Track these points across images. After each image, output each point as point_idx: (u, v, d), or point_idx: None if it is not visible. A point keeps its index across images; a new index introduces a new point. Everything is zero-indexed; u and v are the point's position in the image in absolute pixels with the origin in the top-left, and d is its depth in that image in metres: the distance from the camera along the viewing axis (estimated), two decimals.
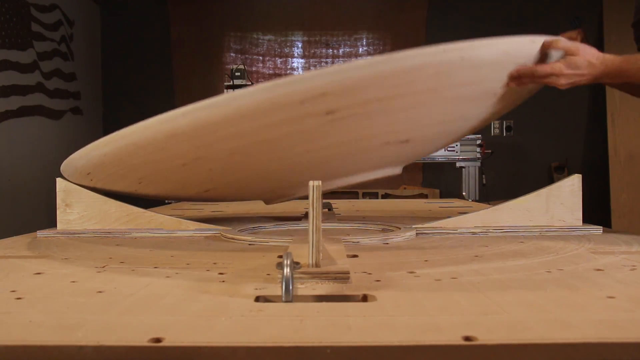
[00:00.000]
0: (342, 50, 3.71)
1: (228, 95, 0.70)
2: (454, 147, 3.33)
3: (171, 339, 0.38)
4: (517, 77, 0.83)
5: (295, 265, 0.55)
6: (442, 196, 3.93)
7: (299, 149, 0.83)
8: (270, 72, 3.72)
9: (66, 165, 0.95)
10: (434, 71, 0.75)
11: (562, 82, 0.85)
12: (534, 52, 0.84)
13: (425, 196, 3.83)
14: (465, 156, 3.37)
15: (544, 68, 0.84)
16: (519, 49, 0.83)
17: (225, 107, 0.70)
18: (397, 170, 1.02)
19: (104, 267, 0.68)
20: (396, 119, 0.83)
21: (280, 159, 0.87)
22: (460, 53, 0.74)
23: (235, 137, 0.77)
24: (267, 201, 1.07)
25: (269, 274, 0.62)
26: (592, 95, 3.98)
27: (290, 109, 0.70)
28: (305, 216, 1.18)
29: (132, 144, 0.81)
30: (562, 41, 0.85)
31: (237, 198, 1.27)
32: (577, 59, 0.85)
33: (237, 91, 0.70)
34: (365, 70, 0.70)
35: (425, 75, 0.75)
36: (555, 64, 0.84)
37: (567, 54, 0.85)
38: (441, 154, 3.36)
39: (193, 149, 0.80)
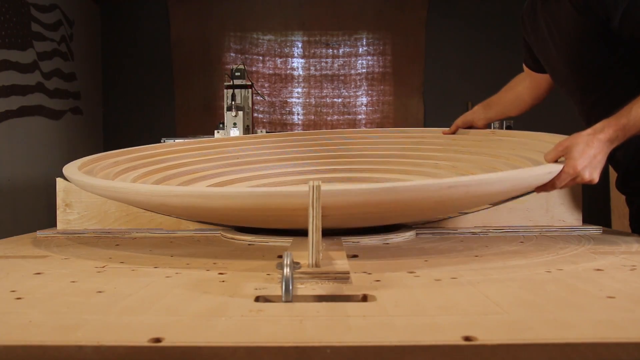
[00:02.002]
0: (342, 50, 3.71)
1: (220, 193, 0.70)
2: None
3: (171, 339, 0.38)
4: (542, 188, 0.83)
5: (295, 265, 0.55)
6: None
7: (288, 224, 0.86)
8: (270, 72, 3.71)
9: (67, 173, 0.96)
10: (436, 200, 0.72)
11: (586, 176, 0.81)
12: (547, 179, 0.81)
13: None
14: None
15: (562, 180, 0.81)
16: (532, 181, 0.79)
17: (215, 201, 0.70)
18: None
19: (104, 267, 0.68)
20: (388, 218, 0.84)
21: (270, 225, 0.89)
22: (467, 189, 0.70)
23: (224, 214, 0.78)
24: None
25: (269, 274, 0.62)
26: None
27: (280, 212, 0.70)
28: None
29: (124, 199, 0.83)
30: (547, 157, 0.84)
31: None
32: (571, 151, 0.81)
33: (229, 191, 0.70)
34: (361, 197, 0.67)
35: (425, 203, 0.73)
36: (566, 169, 0.81)
37: (563, 156, 0.83)
38: None
39: (183, 212, 0.83)
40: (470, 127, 1.29)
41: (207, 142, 1.35)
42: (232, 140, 1.38)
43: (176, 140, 2.68)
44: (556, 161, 0.83)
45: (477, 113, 1.29)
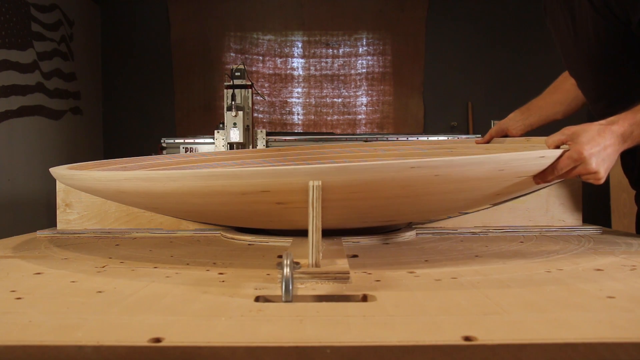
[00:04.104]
0: (342, 50, 3.71)
1: (165, 175, 0.66)
2: None
3: (171, 339, 0.38)
4: (540, 176, 0.73)
5: (295, 265, 0.55)
6: None
7: (255, 221, 0.82)
8: (270, 72, 3.71)
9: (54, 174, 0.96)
10: (403, 184, 0.63)
11: (592, 165, 0.72)
12: (541, 164, 0.71)
13: None
14: None
15: (562, 166, 0.71)
16: (520, 165, 0.68)
17: (162, 185, 0.67)
18: None
19: (104, 267, 0.68)
20: (358, 208, 0.73)
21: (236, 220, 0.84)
22: (435, 171, 0.61)
23: (182, 203, 0.75)
24: None
25: (269, 274, 0.62)
26: None
27: (231, 196, 0.66)
28: None
29: (87, 187, 0.82)
30: (548, 141, 0.76)
31: None
32: (579, 137, 0.73)
33: (174, 173, 0.66)
34: (309, 177, 0.59)
35: (390, 187, 0.64)
36: (569, 154, 0.71)
37: (568, 142, 0.74)
38: None
39: (144, 201, 0.80)
40: (505, 135, 1.17)
41: (227, 153, 1.34)
42: (253, 153, 1.36)
43: (176, 141, 2.69)
44: (558, 147, 0.75)
45: (513, 120, 1.15)
